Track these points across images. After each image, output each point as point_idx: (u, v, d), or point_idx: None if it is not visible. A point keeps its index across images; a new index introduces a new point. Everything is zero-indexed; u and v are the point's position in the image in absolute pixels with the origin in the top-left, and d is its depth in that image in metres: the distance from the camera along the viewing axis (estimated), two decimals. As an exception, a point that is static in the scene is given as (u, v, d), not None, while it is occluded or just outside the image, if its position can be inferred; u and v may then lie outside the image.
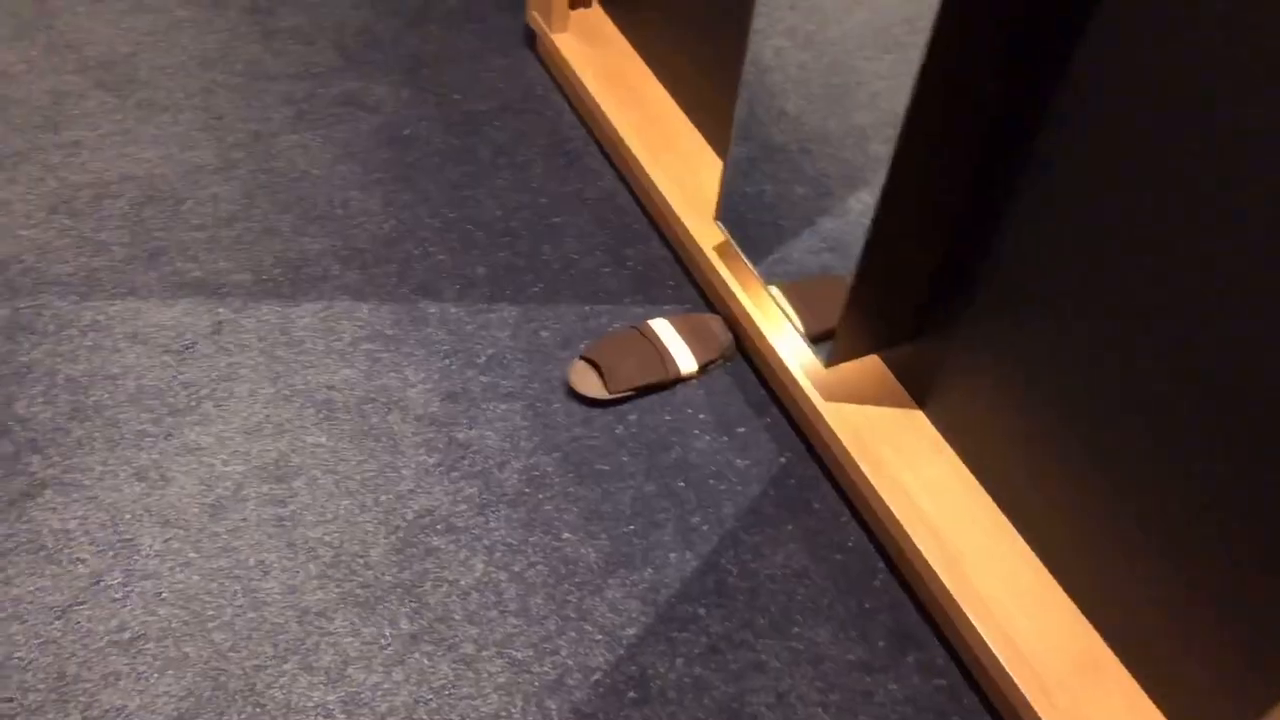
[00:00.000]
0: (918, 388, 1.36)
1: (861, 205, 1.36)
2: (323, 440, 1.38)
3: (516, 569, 1.28)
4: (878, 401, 1.37)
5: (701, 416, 1.46)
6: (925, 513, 1.25)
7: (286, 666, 1.17)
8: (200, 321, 1.50)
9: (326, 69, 1.94)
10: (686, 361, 1.49)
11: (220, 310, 1.52)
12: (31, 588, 1.21)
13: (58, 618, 1.19)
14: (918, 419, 1.36)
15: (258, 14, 2.04)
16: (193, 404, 1.40)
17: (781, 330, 1.46)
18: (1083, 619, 1.17)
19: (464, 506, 1.34)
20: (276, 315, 1.53)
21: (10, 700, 1.12)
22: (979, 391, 1.24)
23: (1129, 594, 1.10)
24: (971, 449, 1.29)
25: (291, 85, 1.90)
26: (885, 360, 1.41)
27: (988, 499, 1.28)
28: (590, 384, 1.46)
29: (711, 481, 1.39)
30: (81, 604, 1.20)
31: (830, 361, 1.34)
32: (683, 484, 1.38)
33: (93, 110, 1.81)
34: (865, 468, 1.29)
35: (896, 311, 1.31)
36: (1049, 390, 1.13)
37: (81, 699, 1.13)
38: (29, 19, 1.96)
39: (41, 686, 1.13)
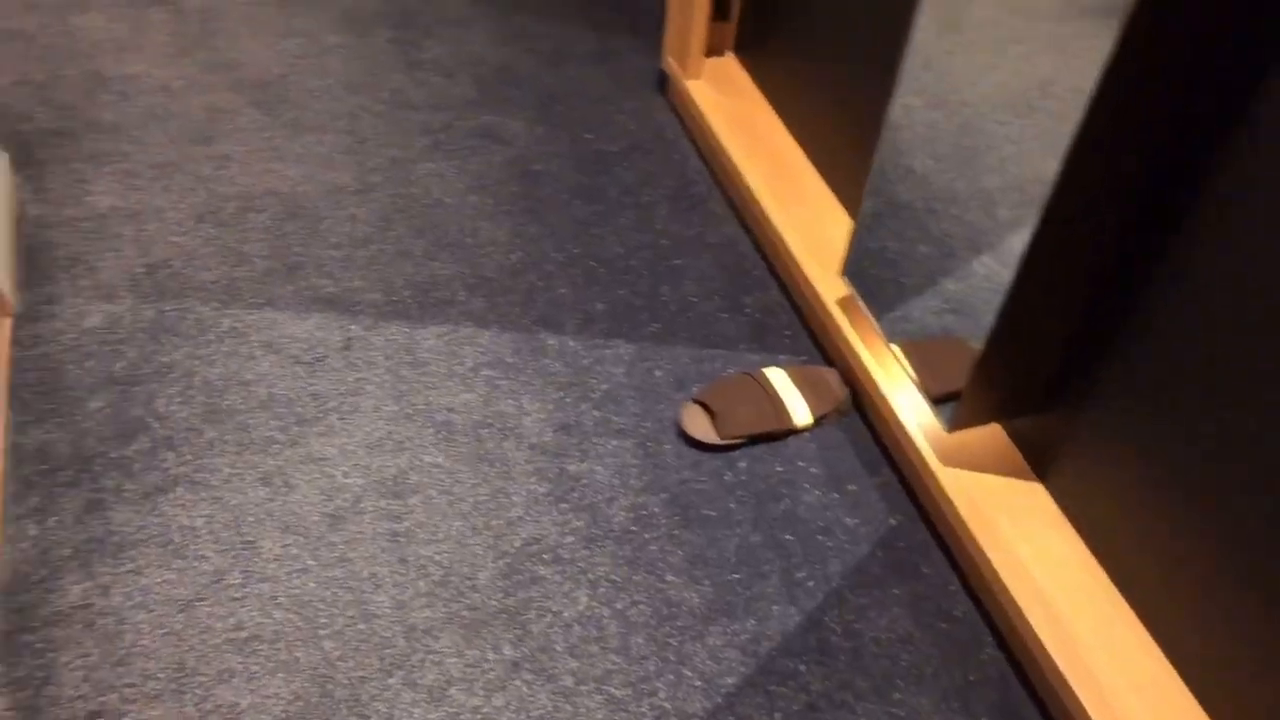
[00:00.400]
0: (1039, 459, 1.33)
1: (985, 269, 1.34)
2: (440, 461, 1.42)
3: (619, 606, 1.29)
4: (997, 470, 1.34)
5: (813, 470, 1.45)
6: (1040, 588, 1.22)
7: (391, 681, 1.19)
8: (332, 336, 1.56)
9: (465, 102, 2.01)
10: (801, 413, 1.48)
11: (351, 327, 1.58)
12: (158, 579, 1.26)
13: (180, 611, 1.23)
14: (1037, 492, 1.33)
15: (404, 45, 2.12)
16: (319, 415, 1.45)
17: (901, 389, 1.44)
18: (1204, 716, 1.13)
19: (571, 539, 1.35)
20: (403, 335, 1.57)
21: (132, 685, 1.16)
22: (1104, 469, 1.21)
23: (1256, 692, 1.05)
24: (1092, 527, 1.25)
25: (431, 115, 1.97)
26: (1007, 429, 1.39)
27: (1107, 580, 1.24)
28: (702, 427, 1.46)
29: (819, 537, 1.38)
30: (203, 600, 1.24)
31: (953, 427, 1.32)
32: (790, 537, 1.38)
33: (244, 127, 1.90)
34: (980, 537, 1.27)
35: (1025, 382, 1.29)
36: (1178, 475, 1.09)
37: (197, 691, 1.17)
38: (193, 37, 2.08)
39: (161, 675, 1.17)
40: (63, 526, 1.30)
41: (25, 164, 1.78)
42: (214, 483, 1.36)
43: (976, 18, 1.24)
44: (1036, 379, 1.29)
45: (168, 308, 1.57)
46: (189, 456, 1.39)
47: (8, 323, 1.53)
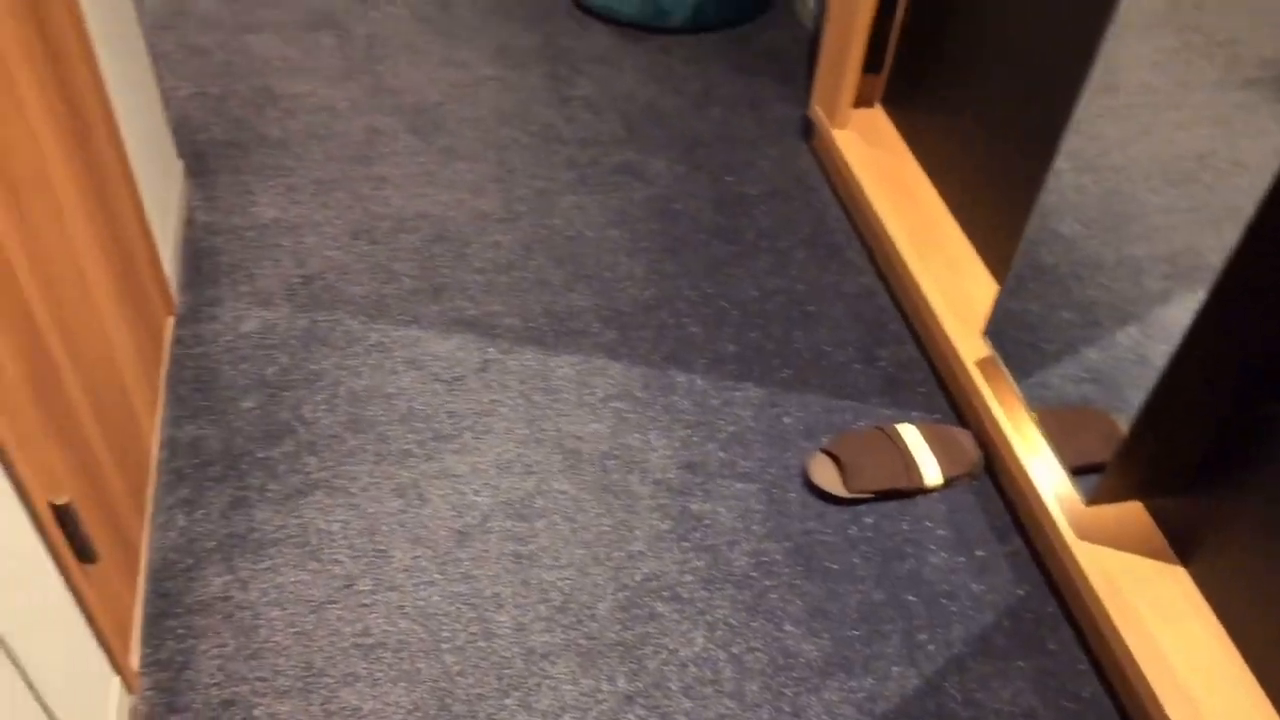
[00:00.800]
0: (1182, 542, 1.28)
1: (1130, 340, 1.30)
2: (566, 488, 1.44)
3: (735, 651, 1.28)
4: (1136, 549, 1.30)
5: (940, 532, 1.43)
6: (1178, 676, 1.17)
7: (507, 701, 1.21)
8: (471, 357, 1.60)
9: (611, 139, 2.05)
10: (932, 472, 1.46)
11: (489, 350, 1.62)
12: (293, 579, 1.31)
13: (312, 611, 1.28)
14: (1179, 575, 1.28)
15: (556, 80, 2.18)
16: (455, 432, 1.49)
17: (1037, 456, 1.41)
18: (1354, 833, 1.06)
19: (690, 578, 1.35)
20: (538, 362, 1.61)
21: (264, 680, 1.21)
22: (1252, 557, 1.15)
23: None
24: (1237, 617, 1.20)
25: (577, 150, 2.02)
26: (1149, 507, 1.34)
27: (1250, 676, 1.18)
28: (829, 479, 1.45)
29: (943, 601, 1.35)
30: (334, 603, 1.29)
31: (1092, 500, 1.28)
32: (913, 598, 1.35)
33: (400, 150, 1.97)
34: (1116, 618, 1.22)
35: (1173, 460, 1.24)
36: (1348, 573, 1.04)
37: (323, 692, 1.20)
38: (358, 63, 2.18)
39: (291, 673, 1.22)
40: (209, 519, 1.36)
41: (198, 172, 1.89)
42: (352, 490, 1.41)
43: (1134, 81, 1.22)
44: (1185, 458, 1.24)
45: (320, 318, 1.64)
46: (330, 462, 1.44)
47: (170, 322, 1.61)
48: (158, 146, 1.67)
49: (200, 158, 1.92)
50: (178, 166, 1.81)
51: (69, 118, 1.21)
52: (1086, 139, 1.32)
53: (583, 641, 1.27)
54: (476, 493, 1.42)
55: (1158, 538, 1.31)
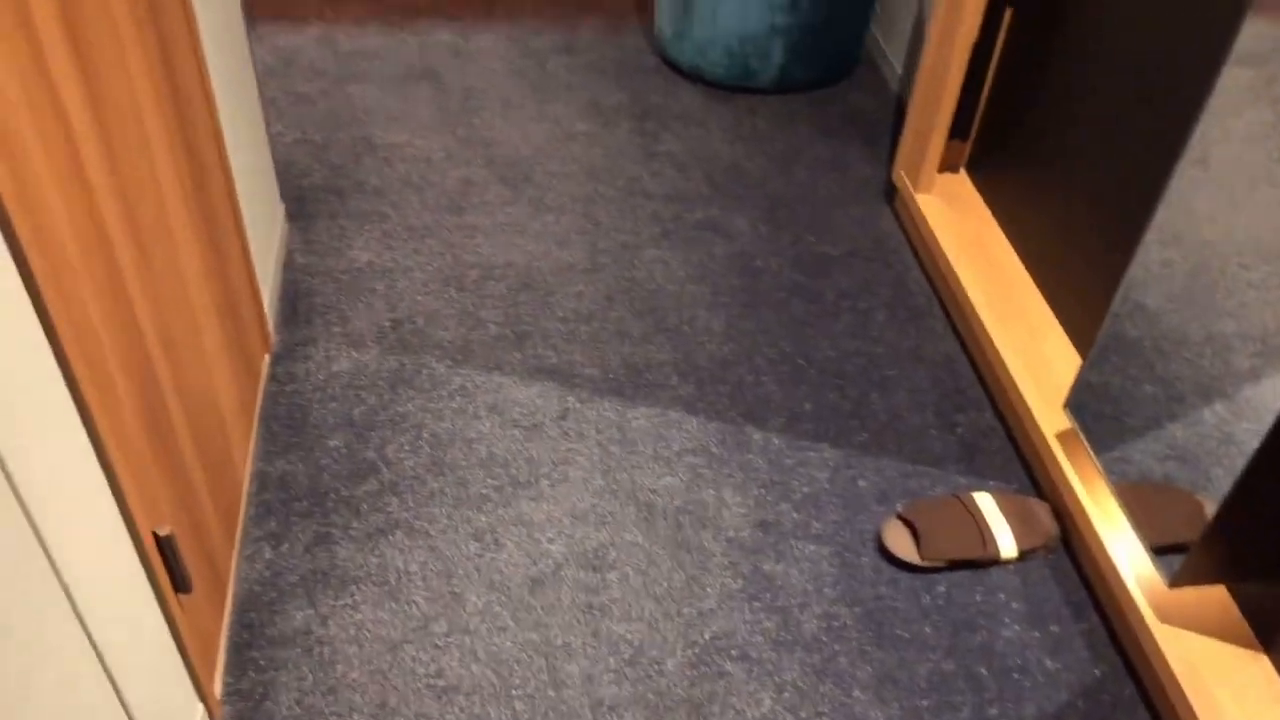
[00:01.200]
0: (1268, 628, 1.24)
1: (1216, 418, 1.28)
2: (639, 540, 1.46)
3: (803, 714, 1.28)
4: (1219, 635, 1.27)
5: (1014, 605, 1.41)
6: (1262, 772, 1.14)
7: (574, 751, 1.23)
8: (550, 405, 1.64)
9: (695, 195, 2.09)
10: (1007, 544, 1.44)
11: (569, 398, 1.65)
12: (372, 617, 1.34)
13: (389, 650, 1.31)
14: (1262, 664, 1.24)
15: (643, 137, 2.23)
16: (532, 479, 1.52)
17: (1117, 533, 1.39)
18: None
19: (760, 639, 1.35)
20: (615, 413, 1.63)
21: (339, 715, 1.24)
22: (1349, 654, 1.12)
23: None
24: (1328, 715, 1.16)
25: (662, 205, 2.06)
26: (1233, 591, 1.31)
27: (1339, 776, 1.14)
28: (903, 545, 1.45)
29: (1016, 676, 1.33)
30: (409, 643, 1.32)
31: (1175, 582, 1.26)
32: (985, 671, 1.33)
33: (491, 200, 2.04)
34: (1197, 706, 1.19)
35: (1262, 544, 1.21)
36: None
37: (395, 731, 1.23)
38: (455, 114, 2.25)
39: (365, 710, 1.25)
40: (293, 554, 1.41)
41: (298, 216, 1.97)
42: (431, 531, 1.45)
43: (1227, 156, 1.21)
44: (1274, 543, 1.22)
45: (407, 361, 1.69)
46: (411, 504, 1.48)
47: (267, 359, 1.68)
48: (264, 190, 1.75)
49: (301, 201, 2.00)
50: (280, 210, 1.89)
51: (189, 161, 1.28)
52: (1176, 211, 1.31)
53: (651, 696, 1.28)
54: (551, 541, 1.45)
55: (1242, 624, 1.28)
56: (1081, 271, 1.63)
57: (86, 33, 0.95)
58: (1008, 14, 1.79)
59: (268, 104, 2.24)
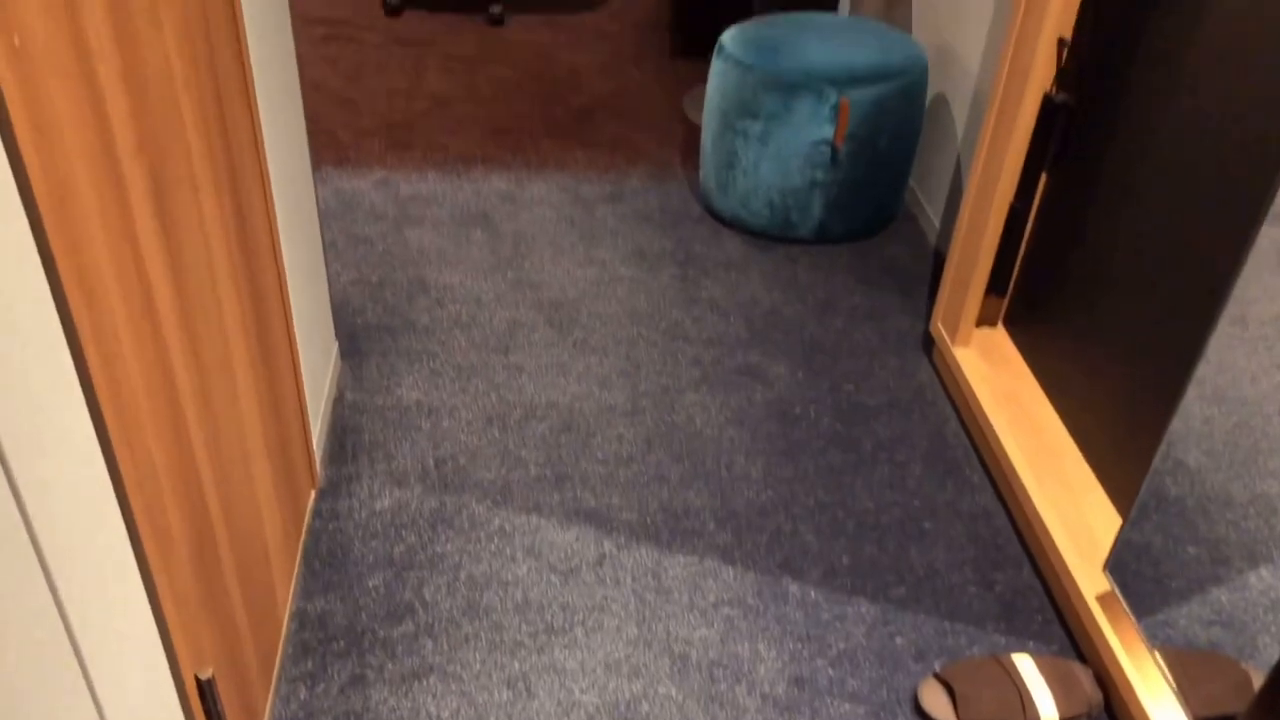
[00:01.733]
0: (1324, 817, 1.20)
1: (1263, 584, 1.26)
2: (672, 693, 1.44)
3: None
4: (1271, 818, 1.22)
5: (1056, 775, 1.37)
6: None
7: None
8: (587, 550, 1.65)
9: (735, 340, 2.14)
10: (1048, 709, 1.41)
11: (606, 543, 1.66)
12: (402, 763, 1.34)
13: (417, 799, 1.30)
14: None
15: (686, 282, 2.30)
16: (566, 626, 1.53)
17: (1161, 702, 1.35)
18: None
19: (793, 801, 1.33)
20: (652, 560, 1.64)
21: None
22: None
23: None
24: None
25: (702, 349, 2.11)
26: (1285, 772, 1.26)
27: None
28: (941, 707, 1.42)
29: None
30: (437, 792, 1.31)
31: (1222, 760, 1.22)
32: (1026, 845, 1.29)
33: (537, 341, 2.10)
34: None
35: (1311, 725, 1.18)
36: None
37: None
38: (505, 256, 2.34)
39: None
40: (328, 695, 1.41)
41: (351, 353, 2.04)
42: (464, 677, 1.45)
43: (1266, 314, 1.23)
44: (1326, 725, 1.18)
45: (448, 500, 1.72)
46: (446, 647, 1.49)
47: (313, 495, 1.72)
48: (320, 329, 1.82)
49: (354, 339, 2.07)
50: (334, 348, 1.96)
51: (253, 302, 1.34)
52: (1215, 369, 1.32)
53: None
54: (584, 691, 1.44)
55: (1296, 808, 1.23)
56: (1120, 429, 1.63)
57: (168, 178, 1.03)
58: (1043, 176, 1.85)
59: (328, 245, 2.35)
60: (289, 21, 1.61)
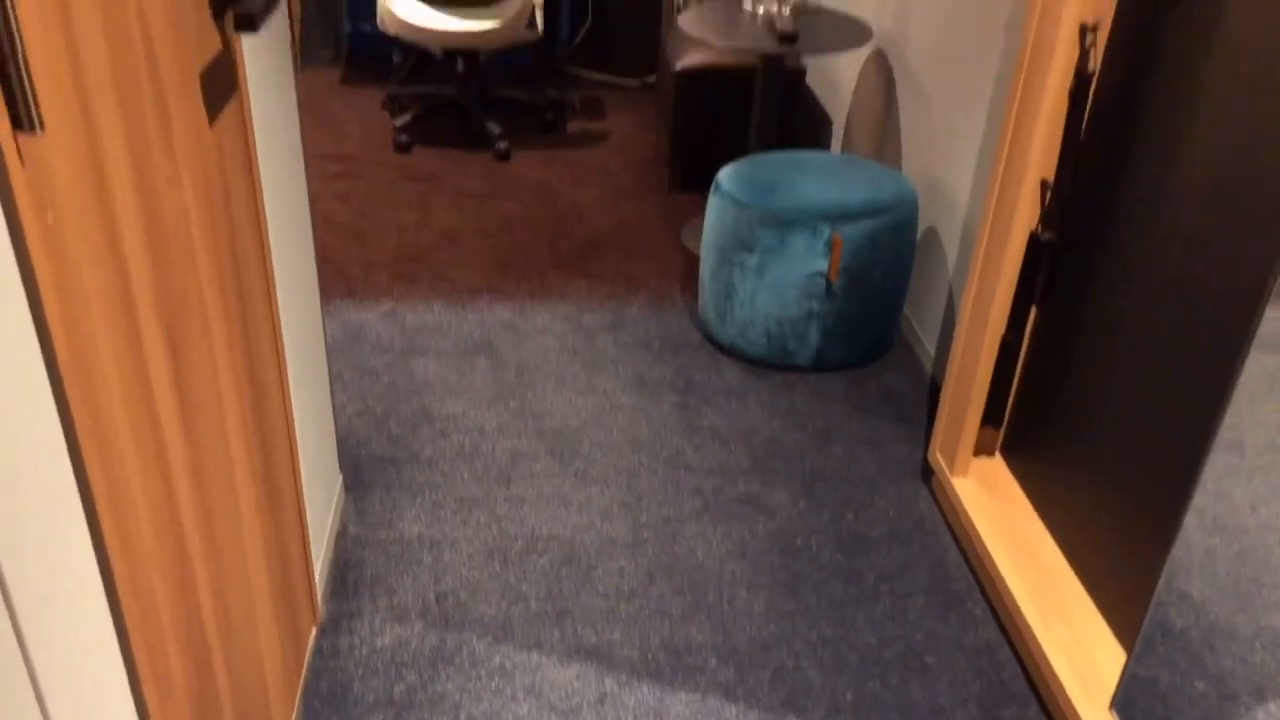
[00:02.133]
0: None
1: (1272, 718, 1.25)
2: (674, 840, 1.41)
3: None
4: None
5: None
6: None
7: None
8: (588, 688, 1.64)
9: (735, 469, 2.15)
10: None
11: (607, 681, 1.65)
12: None
13: None
14: None
15: (686, 410, 2.33)
16: (567, 769, 1.50)
17: None
18: None
19: None
20: (653, 699, 1.63)
21: None
22: None
23: None
24: None
25: (703, 478, 2.12)
26: None
27: None
28: None
29: None
30: None
31: None
32: None
33: (539, 472, 2.11)
34: None
35: None
36: None
37: None
38: (508, 386, 2.38)
39: None
40: (323, 841, 1.39)
41: (354, 485, 2.05)
42: (462, 822, 1.42)
43: (1260, 441, 1.25)
44: None
45: (449, 637, 1.71)
46: (444, 790, 1.46)
47: (314, 631, 1.71)
48: (324, 463, 1.84)
49: (358, 471, 2.09)
50: (338, 480, 1.98)
51: (260, 438, 1.37)
52: (1214, 497, 1.33)
53: None
54: (584, 837, 1.41)
55: None
56: (1120, 559, 1.64)
57: (182, 329, 1.07)
58: (1033, 310, 1.89)
59: (334, 378, 2.39)
60: (302, 165, 1.68)
